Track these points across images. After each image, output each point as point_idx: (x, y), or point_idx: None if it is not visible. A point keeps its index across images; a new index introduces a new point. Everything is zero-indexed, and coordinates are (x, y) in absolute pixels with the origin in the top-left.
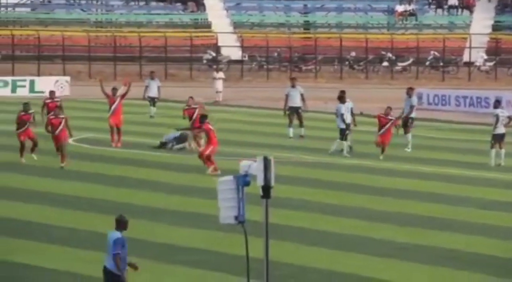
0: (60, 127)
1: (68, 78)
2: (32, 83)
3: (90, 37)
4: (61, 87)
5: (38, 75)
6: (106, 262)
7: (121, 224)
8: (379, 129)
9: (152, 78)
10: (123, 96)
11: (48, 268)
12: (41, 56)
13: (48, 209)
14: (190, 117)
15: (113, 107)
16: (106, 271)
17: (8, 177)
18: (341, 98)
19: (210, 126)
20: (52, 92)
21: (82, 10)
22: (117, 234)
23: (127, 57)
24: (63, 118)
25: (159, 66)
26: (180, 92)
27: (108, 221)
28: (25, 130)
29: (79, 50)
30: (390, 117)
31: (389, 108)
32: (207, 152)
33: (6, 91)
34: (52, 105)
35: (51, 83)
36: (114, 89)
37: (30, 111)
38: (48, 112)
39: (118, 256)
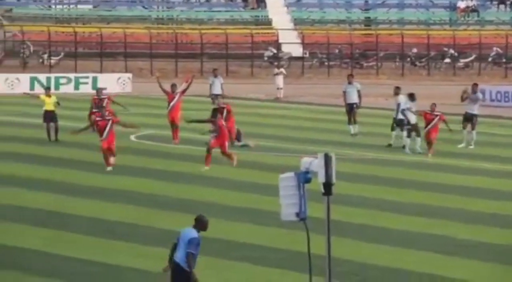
0: (107, 129)
1: (130, 75)
2: (94, 80)
3: (152, 34)
4: (123, 84)
5: (101, 72)
6: (177, 257)
7: (200, 224)
8: (426, 126)
9: (215, 76)
10: (182, 92)
11: (111, 264)
12: (103, 53)
13: (111, 205)
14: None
15: (172, 103)
16: (176, 266)
17: (72, 173)
18: (397, 94)
19: (223, 122)
20: (99, 91)
21: (143, 7)
22: (194, 233)
23: (188, 54)
24: (109, 119)
25: (220, 63)
26: (241, 89)
27: (169, 217)
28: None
29: (140, 47)
30: (436, 113)
31: (434, 104)
32: (216, 146)
33: (69, 88)
34: (98, 103)
35: (113, 80)
36: (173, 86)
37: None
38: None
39: (192, 255)
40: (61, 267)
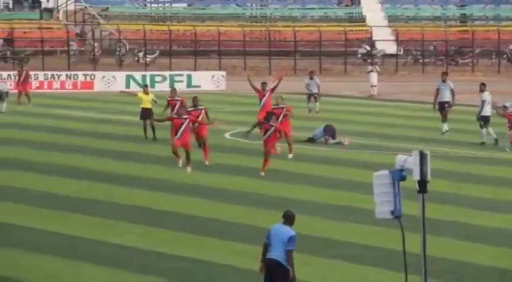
0: (183, 128)
1: (223, 73)
2: (189, 78)
3: (245, 32)
4: (217, 82)
5: (195, 70)
6: (275, 255)
7: (291, 219)
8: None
9: (311, 78)
10: (272, 90)
11: (204, 260)
12: (198, 51)
13: (206, 202)
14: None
15: (262, 101)
16: (275, 264)
17: (167, 170)
18: (482, 91)
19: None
20: (172, 91)
21: (237, 5)
22: (291, 230)
23: (281, 51)
24: (186, 118)
25: (313, 60)
26: (334, 86)
27: (264, 214)
28: (194, 129)
29: (234, 45)
30: None
31: None
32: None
33: (164, 86)
34: (172, 103)
35: (207, 78)
36: (264, 84)
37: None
38: (171, 111)
39: (292, 252)
40: (155, 264)
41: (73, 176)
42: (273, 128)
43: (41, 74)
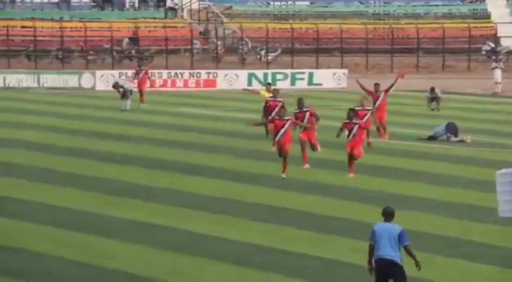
0: (283, 130)
1: (345, 70)
2: (310, 76)
3: (368, 30)
4: (339, 79)
5: (316, 68)
6: (388, 255)
7: (392, 216)
8: None
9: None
10: (386, 91)
11: (326, 258)
12: (320, 49)
13: (328, 200)
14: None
15: (377, 103)
16: (390, 263)
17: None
18: None
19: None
20: (274, 91)
21: (360, 2)
22: (398, 226)
23: (404, 49)
24: (288, 120)
25: (436, 57)
26: (457, 84)
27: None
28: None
29: (356, 43)
30: None
31: None
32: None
33: (285, 84)
34: (273, 105)
35: (329, 76)
36: (377, 85)
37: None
38: (270, 113)
39: (409, 246)
40: (278, 261)
41: (195, 173)
42: (357, 126)
43: (164, 73)
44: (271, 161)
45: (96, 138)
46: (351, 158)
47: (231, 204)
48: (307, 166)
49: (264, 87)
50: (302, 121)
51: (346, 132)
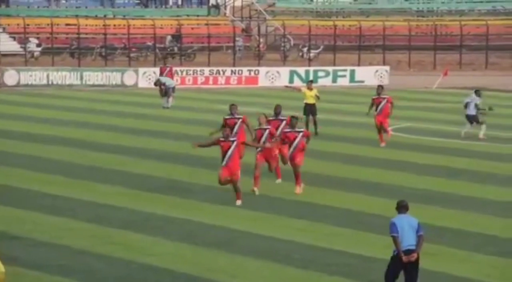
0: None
1: (387, 68)
2: (352, 73)
3: (411, 27)
4: (381, 77)
5: (358, 65)
6: (411, 244)
7: (407, 207)
8: None
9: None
10: (389, 100)
11: (365, 255)
12: (362, 46)
13: (364, 197)
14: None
15: (379, 107)
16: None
17: (328, 165)
18: None
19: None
20: (232, 107)
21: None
22: (414, 218)
23: (447, 46)
24: (233, 141)
25: (479, 55)
26: (501, 81)
27: (417, 209)
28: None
29: (399, 40)
30: None
31: None
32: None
33: (327, 81)
34: (231, 122)
35: (371, 73)
36: (379, 87)
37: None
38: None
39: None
40: (317, 259)
41: None
42: (300, 134)
43: (206, 70)
44: (310, 157)
45: (135, 135)
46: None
47: (270, 201)
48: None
49: (305, 85)
50: (277, 129)
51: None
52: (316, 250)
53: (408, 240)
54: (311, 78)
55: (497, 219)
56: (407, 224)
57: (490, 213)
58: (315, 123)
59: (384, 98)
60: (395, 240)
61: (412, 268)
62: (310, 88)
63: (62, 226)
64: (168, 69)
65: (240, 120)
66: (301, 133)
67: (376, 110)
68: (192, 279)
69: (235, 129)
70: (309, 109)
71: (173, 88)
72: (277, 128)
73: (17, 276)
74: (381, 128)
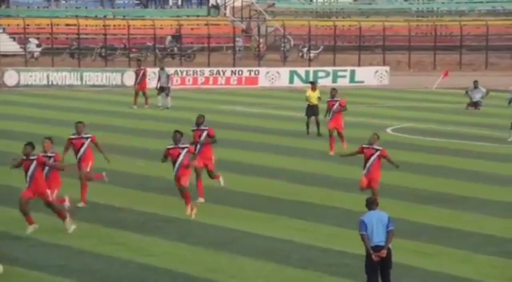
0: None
1: (387, 68)
2: (352, 73)
3: (411, 27)
4: (381, 77)
5: (358, 65)
6: (382, 241)
7: (377, 203)
8: None
9: (476, 87)
10: (343, 104)
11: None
12: (362, 47)
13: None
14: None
15: (332, 111)
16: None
17: (332, 167)
18: None
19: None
20: (79, 126)
21: (404, 0)
22: (384, 213)
23: (447, 46)
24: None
25: (479, 55)
26: (501, 81)
27: (427, 210)
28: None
29: (399, 40)
30: None
31: None
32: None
33: (327, 81)
34: (78, 143)
35: (370, 73)
36: (333, 90)
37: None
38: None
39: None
40: (317, 259)
41: (233, 171)
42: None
43: (206, 70)
44: (311, 158)
45: (135, 135)
46: None
47: (269, 201)
48: (201, 199)
49: (309, 86)
50: (199, 138)
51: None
52: (316, 250)
53: (377, 236)
54: (311, 79)
55: (497, 219)
56: (376, 220)
57: (490, 213)
58: (317, 124)
59: (336, 101)
60: (362, 238)
61: (384, 264)
62: (313, 89)
63: (62, 226)
64: (142, 72)
65: (89, 140)
66: (185, 150)
67: (329, 115)
68: (192, 279)
69: (81, 150)
70: (312, 110)
71: (168, 88)
72: (331, 107)
73: (17, 276)
74: (332, 133)
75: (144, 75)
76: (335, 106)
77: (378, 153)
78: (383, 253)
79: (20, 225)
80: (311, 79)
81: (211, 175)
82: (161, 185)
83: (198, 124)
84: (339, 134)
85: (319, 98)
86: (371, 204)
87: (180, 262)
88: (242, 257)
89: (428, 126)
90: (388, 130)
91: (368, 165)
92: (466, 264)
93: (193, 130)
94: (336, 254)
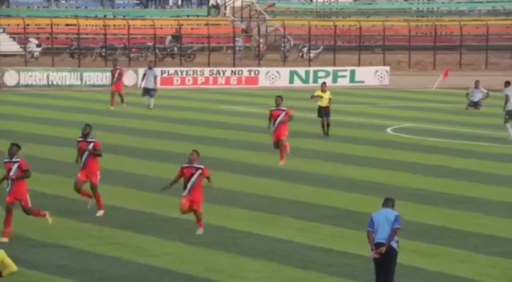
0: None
1: (387, 68)
2: (352, 73)
3: (411, 27)
4: (381, 77)
5: (358, 65)
6: (384, 238)
7: (393, 202)
8: None
9: (476, 87)
10: (288, 113)
11: (366, 256)
12: (362, 47)
13: (365, 198)
14: None
15: (277, 121)
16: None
17: (337, 166)
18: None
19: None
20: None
21: (403, 0)
22: (395, 211)
23: (447, 46)
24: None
25: (479, 55)
26: (501, 81)
27: (431, 210)
28: None
29: (399, 40)
30: None
31: None
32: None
33: (327, 81)
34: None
35: (370, 73)
36: (278, 98)
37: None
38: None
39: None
40: (318, 259)
41: (232, 170)
42: None
43: (206, 70)
44: (310, 158)
45: (135, 135)
46: None
47: (270, 201)
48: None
49: (319, 87)
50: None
51: None
52: (316, 251)
53: (381, 234)
54: (309, 78)
55: (498, 219)
56: (383, 218)
57: (491, 213)
58: (328, 125)
59: (283, 110)
60: (367, 234)
61: (385, 263)
62: (324, 91)
63: (62, 226)
64: (118, 71)
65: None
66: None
67: (274, 125)
68: (192, 279)
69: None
70: (324, 112)
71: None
72: (277, 117)
73: (17, 276)
74: (278, 144)
75: (120, 75)
76: (280, 116)
77: (199, 172)
78: (382, 250)
79: (20, 225)
80: (311, 79)
81: (94, 188)
82: (161, 185)
83: (85, 135)
84: (281, 143)
85: (330, 99)
86: (386, 201)
87: (180, 262)
88: (242, 257)
89: (428, 126)
90: (388, 130)
91: (189, 185)
92: (467, 264)
93: (78, 141)
94: (336, 254)
